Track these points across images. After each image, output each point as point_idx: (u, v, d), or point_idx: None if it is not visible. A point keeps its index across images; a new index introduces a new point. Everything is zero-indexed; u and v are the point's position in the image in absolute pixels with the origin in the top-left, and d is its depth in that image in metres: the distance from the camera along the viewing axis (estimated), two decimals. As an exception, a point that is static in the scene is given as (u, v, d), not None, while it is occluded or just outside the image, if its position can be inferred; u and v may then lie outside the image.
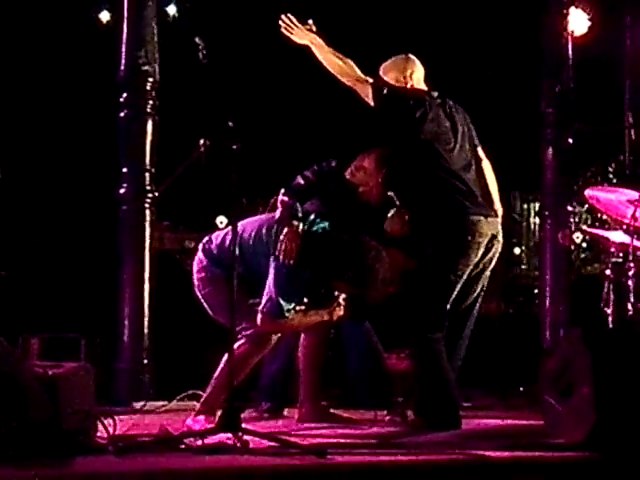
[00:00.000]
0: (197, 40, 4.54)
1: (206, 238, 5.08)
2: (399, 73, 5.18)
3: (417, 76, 5.20)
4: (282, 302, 4.80)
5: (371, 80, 5.07)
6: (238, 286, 4.61)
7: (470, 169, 5.12)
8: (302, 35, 5.10)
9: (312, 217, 4.93)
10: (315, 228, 4.91)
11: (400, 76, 5.17)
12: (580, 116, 7.25)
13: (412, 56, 5.23)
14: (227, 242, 4.83)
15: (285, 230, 4.82)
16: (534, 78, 7.28)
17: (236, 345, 4.77)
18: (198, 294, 5.02)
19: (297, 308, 4.87)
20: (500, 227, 5.10)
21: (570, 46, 7.16)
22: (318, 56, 5.08)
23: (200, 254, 5.03)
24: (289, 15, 5.13)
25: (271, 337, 4.92)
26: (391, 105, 5.03)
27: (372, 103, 5.02)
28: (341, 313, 5.00)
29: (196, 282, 5.01)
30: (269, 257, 4.84)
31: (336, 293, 4.96)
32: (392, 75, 5.18)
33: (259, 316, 4.82)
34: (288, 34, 5.13)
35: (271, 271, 4.82)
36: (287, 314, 4.84)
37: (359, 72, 5.06)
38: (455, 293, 4.97)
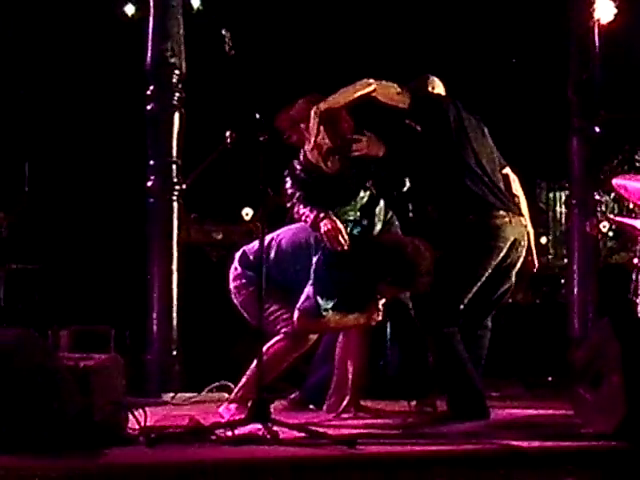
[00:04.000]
0: (223, 32, 4.54)
1: (241, 249, 5.11)
2: (422, 86, 5.26)
3: (438, 90, 5.30)
4: (320, 301, 4.81)
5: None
6: (275, 291, 4.72)
7: (496, 171, 5.16)
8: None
9: (348, 221, 4.95)
10: (353, 231, 4.93)
11: (424, 89, 5.25)
12: (607, 104, 7.21)
13: (432, 76, 5.33)
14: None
15: (323, 222, 4.83)
16: (561, 66, 7.25)
17: (273, 341, 4.82)
18: (236, 302, 5.05)
19: (335, 310, 4.86)
20: (525, 232, 5.09)
21: (596, 34, 7.12)
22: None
23: (235, 263, 5.07)
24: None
25: (309, 337, 4.93)
26: (427, 106, 5.07)
27: (404, 105, 5.01)
28: (379, 318, 4.99)
29: (233, 290, 5.05)
30: (308, 263, 4.86)
31: (377, 297, 4.95)
32: None
33: (296, 313, 4.84)
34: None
35: (312, 270, 4.84)
36: (324, 313, 4.85)
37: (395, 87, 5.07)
38: (473, 292, 4.96)
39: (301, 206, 4.98)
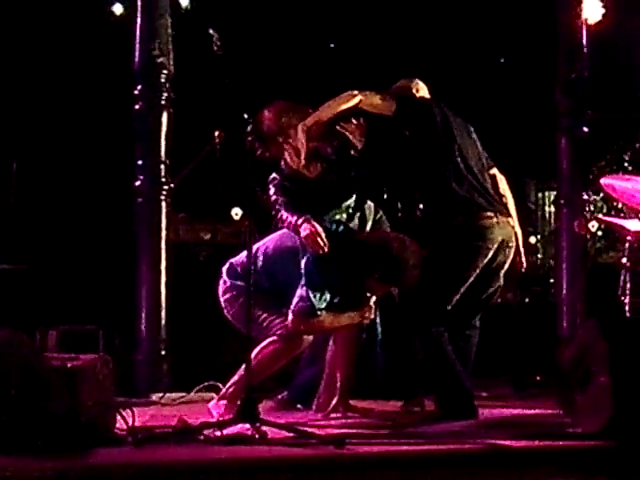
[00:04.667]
0: (211, 31, 4.54)
1: (228, 262, 5.10)
2: (406, 90, 5.25)
3: (422, 93, 5.30)
4: (313, 300, 4.81)
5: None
6: (266, 299, 4.76)
7: (484, 172, 5.17)
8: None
9: (332, 221, 4.96)
10: (338, 230, 4.94)
11: (408, 93, 5.25)
12: (595, 104, 7.23)
13: (415, 79, 5.32)
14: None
15: (302, 227, 4.84)
16: (549, 66, 7.26)
17: (266, 342, 4.81)
18: (227, 316, 5.05)
19: (328, 309, 4.86)
20: (512, 233, 5.09)
21: (584, 34, 7.14)
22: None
23: (224, 276, 5.08)
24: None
25: (302, 339, 4.93)
26: (413, 110, 5.06)
27: (389, 113, 4.99)
28: (372, 316, 5.01)
29: (223, 305, 5.05)
30: (296, 267, 4.86)
31: (368, 295, 4.95)
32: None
33: (290, 316, 4.84)
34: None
35: (302, 273, 4.84)
36: (318, 313, 4.84)
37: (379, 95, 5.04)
38: (461, 293, 4.96)
39: (283, 212, 5.00)
